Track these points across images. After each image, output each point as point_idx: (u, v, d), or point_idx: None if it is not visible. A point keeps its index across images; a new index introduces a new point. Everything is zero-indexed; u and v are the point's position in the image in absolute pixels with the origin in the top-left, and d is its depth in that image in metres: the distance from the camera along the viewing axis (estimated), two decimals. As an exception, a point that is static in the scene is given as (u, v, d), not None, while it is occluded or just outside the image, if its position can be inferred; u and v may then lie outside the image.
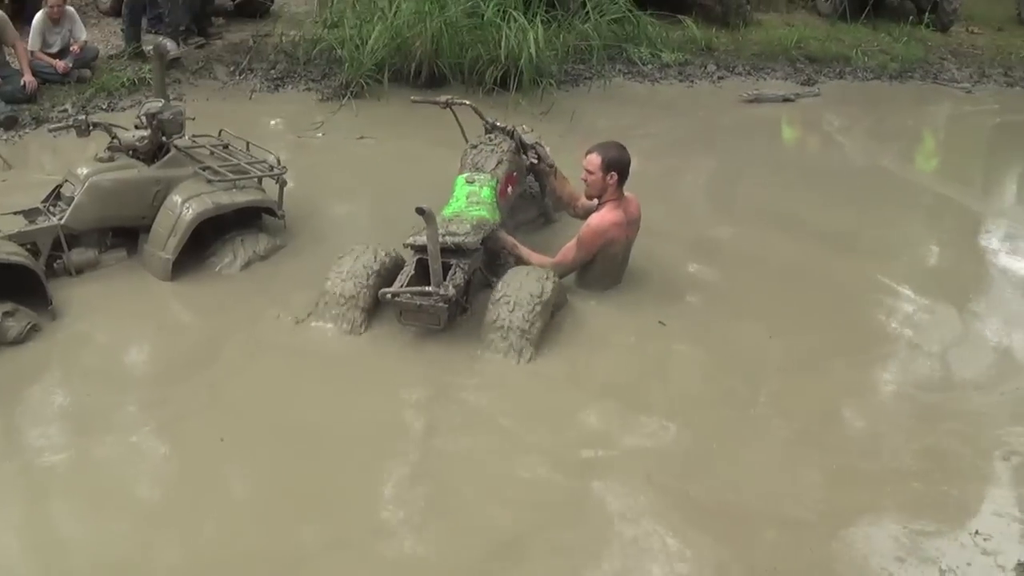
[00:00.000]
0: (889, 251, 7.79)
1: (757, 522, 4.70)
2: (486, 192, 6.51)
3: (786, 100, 11.97)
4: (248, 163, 6.95)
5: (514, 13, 10.32)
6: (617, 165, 6.26)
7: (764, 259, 7.30)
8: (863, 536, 4.66)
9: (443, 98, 7.52)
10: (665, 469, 5.01)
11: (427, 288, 5.70)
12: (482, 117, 7.26)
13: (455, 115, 7.46)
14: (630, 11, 11.94)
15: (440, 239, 5.72)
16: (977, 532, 4.69)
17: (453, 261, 5.97)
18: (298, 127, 9.66)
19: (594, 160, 6.29)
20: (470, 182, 6.59)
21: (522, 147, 7.03)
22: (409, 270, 6.00)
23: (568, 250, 6.39)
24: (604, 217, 6.31)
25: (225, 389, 5.49)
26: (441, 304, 5.73)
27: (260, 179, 6.94)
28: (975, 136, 12.20)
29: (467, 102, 7.48)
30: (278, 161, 7.05)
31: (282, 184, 6.99)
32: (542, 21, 10.80)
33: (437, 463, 5.05)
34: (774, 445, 5.27)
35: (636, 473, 4.95)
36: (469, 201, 6.45)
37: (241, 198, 6.71)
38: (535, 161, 7.04)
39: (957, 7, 15.94)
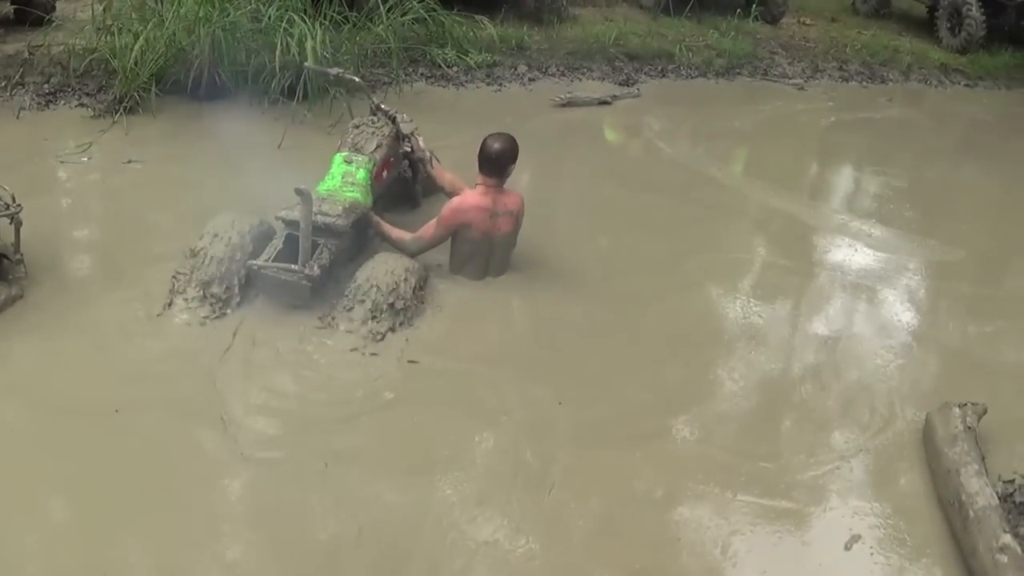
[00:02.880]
0: (711, 280, 7.49)
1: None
2: (362, 174, 6.89)
3: (602, 103, 11.82)
4: (-20, 202, 6.44)
5: (295, 16, 9.94)
6: (480, 152, 6.63)
7: (571, 293, 6.92)
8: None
9: (334, 70, 8.33)
10: None
11: (293, 266, 6.09)
12: (369, 97, 7.82)
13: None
14: (434, 10, 11.69)
15: (312, 217, 6.10)
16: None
17: (321, 240, 6.35)
18: (63, 150, 9.03)
19: None
20: (348, 162, 6.97)
21: (399, 135, 7.44)
22: (277, 243, 6.37)
23: (428, 227, 6.77)
24: (465, 198, 6.71)
25: None
26: (305, 282, 6.12)
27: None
28: (807, 137, 12.31)
29: (356, 79, 8.08)
30: (13, 199, 6.52)
31: (18, 224, 6.47)
32: (333, 23, 10.50)
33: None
34: (573, 536, 4.78)
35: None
36: (344, 181, 6.83)
37: (-36, 244, 6.19)
38: (408, 150, 7.50)
39: (788, -2, 16.13)
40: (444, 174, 7.47)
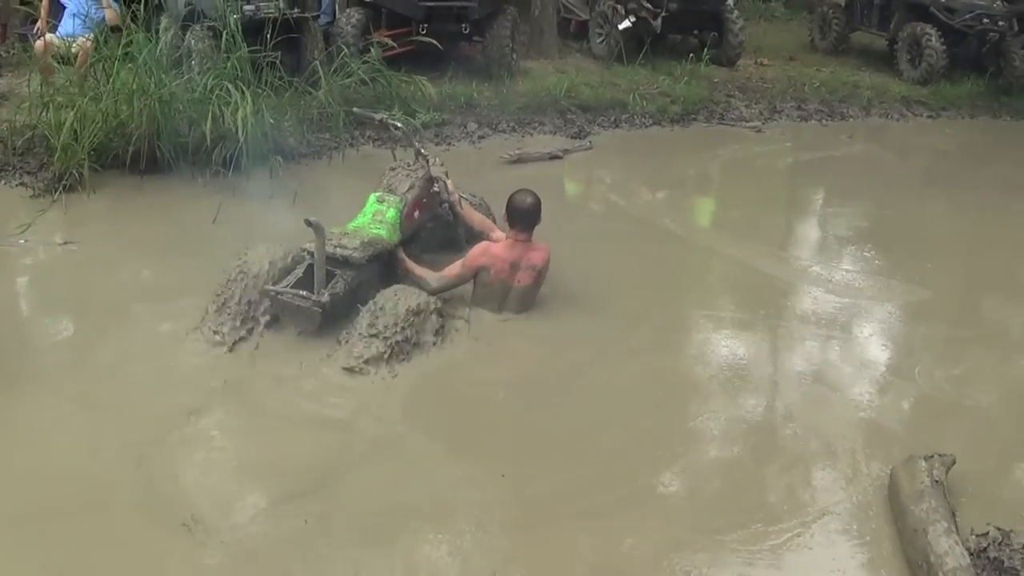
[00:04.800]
0: (665, 338, 7.27)
1: None
2: (391, 213, 7.34)
3: (553, 157, 11.66)
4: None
5: (229, 86, 9.77)
6: (510, 206, 7.23)
7: (509, 366, 6.73)
8: None
9: (379, 115, 8.76)
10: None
11: (303, 292, 6.56)
12: (411, 142, 8.27)
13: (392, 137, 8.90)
14: (379, 70, 11.56)
15: (331, 250, 6.66)
16: None
17: (338, 272, 6.77)
18: (1, 233, 8.83)
19: None
20: (380, 201, 7.44)
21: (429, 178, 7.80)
22: (299, 272, 6.82)
23: (453, 267, 7.24)
24: (490, 245, 7.24)
25: None
26: (316, 309, 6.55)
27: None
28: (764, 181, 12.17)
29: (399, 124, 8.53)
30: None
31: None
32: (275, 89, 10.37)
33: None
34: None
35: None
36: (374, 219, 7.31)
37: None
38: (436, 192, 7.84)
39: (743, 39, 16.04)
40: (473, 215, 7.91)
